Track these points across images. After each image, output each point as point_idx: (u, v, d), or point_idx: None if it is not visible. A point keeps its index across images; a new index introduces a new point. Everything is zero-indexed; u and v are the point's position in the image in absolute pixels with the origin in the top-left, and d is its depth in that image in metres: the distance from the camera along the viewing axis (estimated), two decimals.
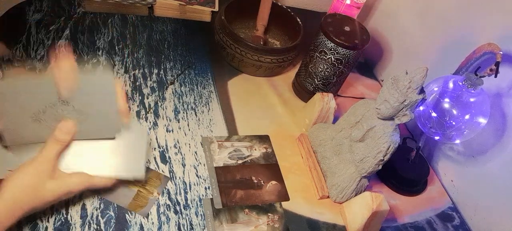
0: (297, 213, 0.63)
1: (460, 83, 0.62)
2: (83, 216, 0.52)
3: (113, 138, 0.53)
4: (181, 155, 0.64)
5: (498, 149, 0.71)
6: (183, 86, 0.77)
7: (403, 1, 0.97)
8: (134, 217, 0.54)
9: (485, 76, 0.60)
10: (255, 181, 0.65)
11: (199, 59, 0.84)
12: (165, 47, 0.83)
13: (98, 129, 0.51)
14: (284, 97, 0.84)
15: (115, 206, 0.54)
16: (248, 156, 0.68)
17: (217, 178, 0.63)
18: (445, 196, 0.78)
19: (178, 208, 0.57)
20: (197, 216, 0.57)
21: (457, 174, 0.79)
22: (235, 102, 0.78)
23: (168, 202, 0.58)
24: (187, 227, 0.56)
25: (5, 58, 0.67)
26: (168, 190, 0.59)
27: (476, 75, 0.60)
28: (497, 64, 0.59)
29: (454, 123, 0.63)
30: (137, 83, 0.73)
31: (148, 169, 0.60)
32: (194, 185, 0.61)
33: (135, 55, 0.79)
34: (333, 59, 0.74)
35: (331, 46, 0.72)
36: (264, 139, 0.73)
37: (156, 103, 0.71)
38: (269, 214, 0.61)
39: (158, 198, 0.57)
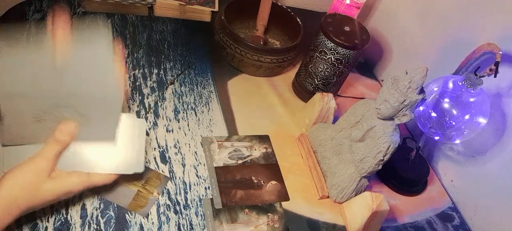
0: (297, 213, 0.63)
1: (460, 83, 0.62)
2: (83, 216, 0.52)
3: (115, 111, 0.51)
4: (181, 155, 0.64)
5: (498, 149, 0.71)
6: (183, 86, 0.77)
7: (403, 1, 0.97)
8: (134, 217, 0.54)
9: (484, 76, 0.60)
10: (255, 181, 0.65)
11: (199, 59, 0.84)
12: (165, 47, 0.83)
13: (97, 101, 0.50)
14: (284, 97, 0.84)
15: (115, 206, 0.54)
16: (248, 156, 0.68)
17: (217, 178, 0.63)
18: (445, 196, 0.78)
19: (178, 208, 0.57)
20: (197, 216, 0.57)
21: (457, 174, 0.79)
22: (235, 102, 0.78)
23: (168, 202, 0.58)
24: (187, 227, 0.56)
25: None
26: (168, 190, 0.59)
27: (476, 75, 0.60)
28: (497, 64, 0.59)
29: (454, 123, 0.63)
30: (137, 83, 0.73)
31: (148, 169, 0.60)
32: (194, 185, 0.61)
33: (135, 55, 0.79)
34: (333, 59, 0.74)
35: (331, 46, 0.72)
36: (264, 139, 0.73)
37: (156, 103, 0.71)
38: (269, 214, 0.61)
39: (158, 198, 0.57)
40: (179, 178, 0.61)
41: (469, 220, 0.75)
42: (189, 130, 0.69)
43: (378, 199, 0.59)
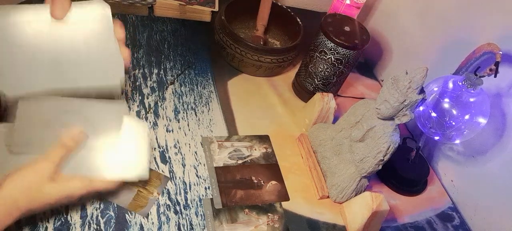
0: (297, 213, 0.63)
1: (460, 83, 0.62)
2: (83, 216, 0.52)
3: (114, 82, 0.51)
4: (181, 155, 0.64)
5: (498, 149, 0.71)
6: (183, 86, 0.77)
7: (403, 1, 0.97)
8: (134, 217, 0.54)
9: (484, 76, 0.60)
10: (255, 181, 0.65)
11: (199, 59, 0.84)
12: (165, 47, 0.83)
13: (97, 73, 0.49)
14: (284, 97, 0.84)
15: (115, 206, 0.54)
16: (248, 156, 0.68)
17: (217, 178, 0.63)
18: (445, 196, 0.78)
19: (178, 208, 0.57)
20: (197, 216, 0.57)
21: (457, 174, 0.79)
22: (235, 102, 0.78)
23: (168, 202, 0.58)
24: (187, 227, 0.56)
25: None
26: (168, 190, 0.59)
27: (476, 75, 0.60)
28: (497, 64, 0.59)
29: (454, 123, 0.63)
30: (137, 83, 0.73)
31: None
32: (194, 185, 0.61)
33: (135, 55, 0.79)
34: (333, 59, 0.74)
35: (331, 46, 0.72)
36: (264, 139, 0.73)
37: (156, 103, 0.71)
38: (269, 214, 0.61)
39: (158, 198, 0.57)
40: (179, 178, 0.61)
41: (469, 220, 0.75)
42: (189, 130, 0.69)
43: (378, 199, 0.59)
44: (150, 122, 0.67)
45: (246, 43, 0.77)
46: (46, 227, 0.50)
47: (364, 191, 0.65)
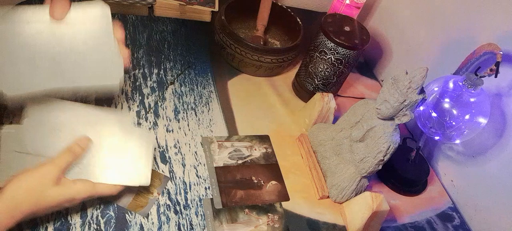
0: (297, 213, 0.63)
1: (460, 83, 0.62)
2: (83, 216, 0.52)
3: (113, 82, 0.51)
4: (181, 155, 0.64)
5: (498, 149, 0.71)
6: (183, 86, 0.77)
7: (403, 1, 0.97)
8: (134, 217, 0.54)
9: (485, 76, 0.60)
10: (255, 181, 0.65)
11: (199, 59, 0.84)
12: (165, 47, 0.83)
13: (96, 73, 0.50)
14: (284, 97, 0.84)
15: (115, 206, 0.54)
16: (248, 156, 0.68)
17: (217, 178, 0.63)
18: (445, 196, 0.78)
19: (178, 208, 0.57)
20: (197, 216, 0.57)
21: (457, 174, 0.79)
22: (235, 102, 0.78)
23: (168, 202, 0.58)
24: (187, 227, 0.56)
25: None
26: (168, 190, 0.59)
27: (476, 75, 0.60)
28: (497, 64, 0.59)
29: (454, 123, 0.63)
30: (137, 83, 0.73)
31: None
32: (194, 185, 0.61)
33: (135, 55, 0.78)
34: (333, 59, 0.74)
35: (331, 46, 0.72)
36: (264, 139, 0.73)
37: (156, 103, 0.71)
38: (269, 214, 0.61)
39: (158, 198, 0.57)
40: (179, 178, 0.61)
41: (469, 220, 0.75)
42: (189, 130, 0.69)
43: (378, 199, 0.59)
44: (150, 122, 0.67)
45: (246, 43, 0.77)
46: (46, 227, 0.50)
47: (364, 191, 0.65)
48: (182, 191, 0.60)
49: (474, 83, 0.60)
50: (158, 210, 0.56)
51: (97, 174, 0.50)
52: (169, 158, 0.63)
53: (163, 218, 0.55)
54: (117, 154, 0.53)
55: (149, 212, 0.55)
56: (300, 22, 0.87)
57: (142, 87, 0.73)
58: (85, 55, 0.48)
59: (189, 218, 0.57)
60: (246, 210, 0.60)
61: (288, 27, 0.91)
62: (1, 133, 0.49)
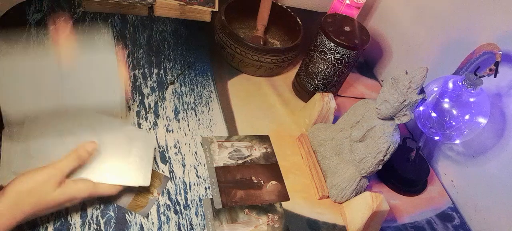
0: (297, 213, 0.63)
1: (460, 83, 0.62)
2: (83, 216, 0.52)
3: (115, 109, 0.52)
4: (181, 155, 0.64)
5: (498, 149, 0.71)
6: (183, 86, 0.77)
7: (403, 1, 0.98)
8: (134, 217, 0.54)
9: (484, 76, 0.60)
10: (255, 181, 0.65)
11: (199, 59, 0.84)
12: (165, 47, 0.83)
13: (99, 101, 0.51)
14: (284, 97, 0.84)
15: (115, 206, 0.54)
16: (248, 156, 0.68)
17: (217, 178, 0.63)
18: (445, 196, 0.78)
19: (178, 208, 0.57)
20: (197, 216, 0.57)
21: (457, 174, 0.79)
22: (235, 102, 0.78)
23: (168, 202, 0.58)
24: (187, 227, 0.56)
25: None
26: (168, 190, 0.59)
27: (476, 75, 0.60)
28: (497, 64, 0.59)
29: (454, 123, 0.64)
30: (137, 83, 0.73)
31: None
32: (194, 185, 0.61)
33: (135, 55, 0.79)
34: (333, 59, 0.74)
35: (331, 46, 0.72)
36: (264, 139, 0.73)
37: (156, 103, 0.71)
38: (269, 214, 0.61)
39: (158, 198, 0.57)
40: (179, 178, 0.61)
41: (469, 220, 0.75)
42: (189, 130, 0.69)
43: (378, 199, 0.59)
44: (150, 122, 0.67)
45: (246, 43, 0.77)
46: (46, 227, 0.50)
47: (364, 191, 0.65)
48: (182, 191, 0.60)
49: (473, 83, 0.60)
50: (158, 210, 0.56)
51: (98, 174, 0.50)
52: (169, 158, 0.63)
53: (163, 218, 0.55)
54: (117, 154, 0.53)
55: (149, 212, 0.55)
56: (300, 22, 0.87)
57: (142, 87, 0.73)
58: (88, 80, 0.50)
59: (189, 218, 0.57)
60: (246, 210, 0.60)
61: (288, 27, 0.91)
62: (4, 132, 0.49)
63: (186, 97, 0.75)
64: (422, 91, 0.57)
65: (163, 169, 0.61)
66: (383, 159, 0.61)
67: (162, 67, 0.79)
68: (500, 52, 0.60)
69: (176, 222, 0.56)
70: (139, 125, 0.66)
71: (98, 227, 0.52)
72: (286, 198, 0.65)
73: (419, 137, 0.75)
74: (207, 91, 0.78)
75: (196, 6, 0.91)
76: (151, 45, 0.82)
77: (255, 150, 0.70)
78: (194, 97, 0.75)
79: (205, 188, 0.61)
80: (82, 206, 0.53)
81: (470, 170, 0.76)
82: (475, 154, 0.75)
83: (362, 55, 1.09)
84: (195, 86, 0.78)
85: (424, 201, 0.75)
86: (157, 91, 0.73)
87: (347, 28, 0.74)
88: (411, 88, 0.55)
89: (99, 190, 0.50)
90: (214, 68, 0.84)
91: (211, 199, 0.60)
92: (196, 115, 0.72)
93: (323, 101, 0.73)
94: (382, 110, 0.59)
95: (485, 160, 0.73)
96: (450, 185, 0.80)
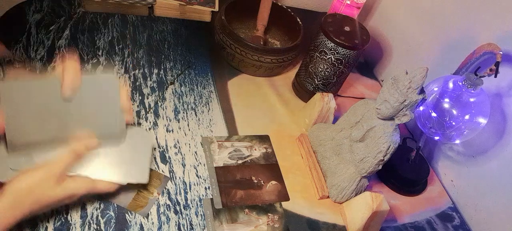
0: (297, 213, 0.63)
1: (460, 83, 0.62)
2: (83, 216, 0.52)
3: (117, 145, 0.54)
4: (181, 155, 0.64)
5: (498, 149, 0.71)
6: (183, 86, 0.77)
7: (403, 1, 0.97)
8: (134, 217, 0.54)
9: (485, 76, 0.60)
10: (255, 181, 0.65)
11: (199, 59, 0.84)
12: (165, 47, 0.83)
13: (101, 137, 0.52)
14: (284, 97, 0.84)
15: (115, 206, 0.54)
16: (248, 156, 0.68)
17: (217, 178, 0.63)
18: (445, 196, 0.78)
19: (178, 208, 0.57)
20: (197, 216, 0.57)
21: (457, 174, 0.79)
22: (235, 102, 0.78)
23: (168, 202, 0.58)
24: (187, 227, 0.56)
25: (6, 59, 0.67)
26: (168, 190, 0.59)
27: (476, 75, 0.60)
28: (497, 64, 0.59)
29: (454, 123, 0.63)
30: (137, 83, 0.73)
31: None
32: (194, 185, 0.61)
33: (135, 55, 0.79)
34: (333, 59, 0.74)
35: (331, 46, 0.72)
36: (264, 139, 0.73)
37: (156, 103, 0.71)
38: (269, 214, 0.61)
39: (158, 198, 0.57)
40: (179, 178, 0.61)
41: (469, 220, 0.75)
42: (189, 130, 0.69)
43: (378, 199, 0.59)
44: (150, 122, 0.67)
45: (246, 43, 0.77)
46: (46, 227, 0.50)
47: (364, 191, 0.65)
48: (182, 191, 0.60)
49: (474, 83, 0.60)
50: (158, 210, 0.56)
51: (96, 171, 0.51)
52: (169, 158, 0.63)
53: (163, 218, 0.55)
54: (115, 151, 0.53)
55: (149, 212, 0.55)
56: (300, 22, 0.87)
57: (142, 87, 0.73)
58: (91, 113, 0.51)
59: (189, 218, 0.57)
60: (246, 210, 0.60)
61: (288, 27, 0.91)
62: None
63: (186, 97, 0.75)
64: (422, 91, 0.57)
65: (163, 169, 0.61)
66: (383, 159, 0.61)
67: (162, 67, 0.79)
68: (501, 52, 0.60)
69: (176, 222, 0.56)
70: (139, 125, 0.66)
71: (98, 227, 0.52)
72: (286, 198, 0.65)
73: (419, 137, 0.75)
74: (207, 91, 0.78)
75: (196, 6, 0.91)
76: (151, 45, 0.82)
77: (255, 150, 0.70)
78: (194, 97, 0.75)
79: (205, 188, 0.61)
80: (82, 206, 0.53)
81: (470, 170, 0.76)
82: (475, 154, 0.75)
83: (362, 55, 1.09)
84: (195, 86, 0.78)
85: (424, 201, 0.75)
86: (157, 91, 0.73)
87: (347, 28, 0.74)
88: (411, 88, 0.55)
89: (98, 187, 0.50)
90: (214, 68, 0.84)
91: (211, 199, 0.60)
92: (196, 115, 0.72)
93: (323, 101, 0.73)
94: (382, 110, 0.59)
95: (485, 160, 0.73)
96: (450, 185, 0.80)
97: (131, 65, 0.76)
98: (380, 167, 0.62)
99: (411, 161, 0.76)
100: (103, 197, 0.55)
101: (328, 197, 0.67)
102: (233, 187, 0.63)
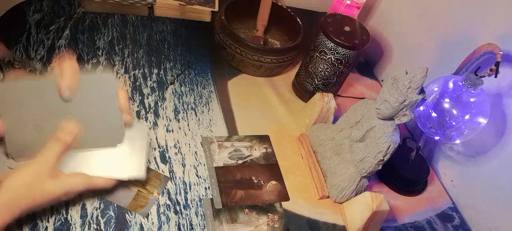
0: (297, 213, 0.63)
1: (460, 83, 0.62)
2: (83, 216, 0.52)
3: (115, 146, 0.54)
4: (181, 155, 0.64)
5: (498, 149, 0.71)
6: (183, 86, 0.77)
7: (403, 1, 0.97)
8: (134, 217, 0.54)
9: (485, 76, 0.60)
10: (255, 181, 0.65)
11: (199, 59, 0.84)
12: (165, 47, 0.83)
13: (100, 138, 0.52)
14: (284, 97, 0.84)
15: (115, 206, 0.54)
16: (248, 156, 0.68)
17: (217, 178, 0.63)
18: (445, 196, 0.78)
19: (178, 208, 0.57)
20: (197, 216, 0.57)
21: (457, 174, 0.79)
22: (235, 102, 0.78)
23: (168, 202, 0.58)
24: (187, 227, 0.56)
25: (6, 59, 0.67)
26: (168, 190, 0.59)
27: (476, 75, 0.60)
28: (497, 64, 0.59)
29: (454, 123, 0.64)
30: (137, 83, 0.73)
31: (148, 169, 0.60)
32: (194, 185, 0.61)
33: (135, 55, 0.79)
34: (333, 59, 0.74)
35: (331, 46, 0.72)
36: (264, 139, 0.73)
37: (156, 103, 0.71)
38: (269, 214, 0.61)
39: (158, 198, 0.57)
40: (179, 178, 0.61)
41: (469, 220, 0.75)
42: (189, 130, 0.69)
43: (378, 199, 0.59)
44: (150, 122, 0.67)
45: (246, 43, 0.77)
46: (46, 227, 0.50)
47: (364, 191, 0.65)
48: (182, 191, 0.60)
49: (474, 83, 0.60)
50: (158, 210, 0.56)
51: (93, 167, 0.51)
52: (169, 158, 0.63)
53: (163, 218, 0.55)
54: (111, 148, 0.53)
55: (149, 212, 0.55)
56: (300, 22, 0.87)
57: (142, 87, 0.73)
58: (90, 120, 0.51)
59: (189, 218, 0.57)
60: (246, 210, 0.60)
61: (288, 27, 0.91)
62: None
63: (186, 97, 0.75)
64: (422, 91, 0.57)
65: (163, 169, 0.61)
66: (383, 159, 0.61)
67: (162, 67, 0.79)
68: (501, 52, 0.60)
69: (176, 222, 0.56)
70: None
71: (98, 227, 0.52)
72: (286, 198, 0.65)
73: (419, 137, 0.75)
74: (207, 91, 0.78)
75: (196, 6, 0.91)
76: (151, 45, 0.82)
77: (255, 150, 0.70)
78: (194, 97, 0.75)
79: (205, 188, 0.61)
80: (82, 206, 0.53)
81: (470, 170, 0.76)
82: (475, 154, 0.75)
83: (362, 55, 1.09)
84: (195, 86, 0.78)
85: (424, 201, 0.75)
86: (157, 91, 0.73)
87: (347, 28, 0.74)
88: (411, 88, 0.55)
89: (95, 183, 0.50)
90: (214, 68, 0.84)
91: (211, 199, 0.60)
92: (196, 115, 0.72)
93: (323, 101, 0.73)
94: (382, 110, 0.59)
95: (485, 160, 0.73)
96: (450, 185, 0.80)
97: (131, 65, 0.76)
98: (380, 167, 0.62)
99: (411, 161, 0.76)
100: (102, 196, 0.55)
101: (328, 197, 0.67)
102: (233, 187, 0.63)
